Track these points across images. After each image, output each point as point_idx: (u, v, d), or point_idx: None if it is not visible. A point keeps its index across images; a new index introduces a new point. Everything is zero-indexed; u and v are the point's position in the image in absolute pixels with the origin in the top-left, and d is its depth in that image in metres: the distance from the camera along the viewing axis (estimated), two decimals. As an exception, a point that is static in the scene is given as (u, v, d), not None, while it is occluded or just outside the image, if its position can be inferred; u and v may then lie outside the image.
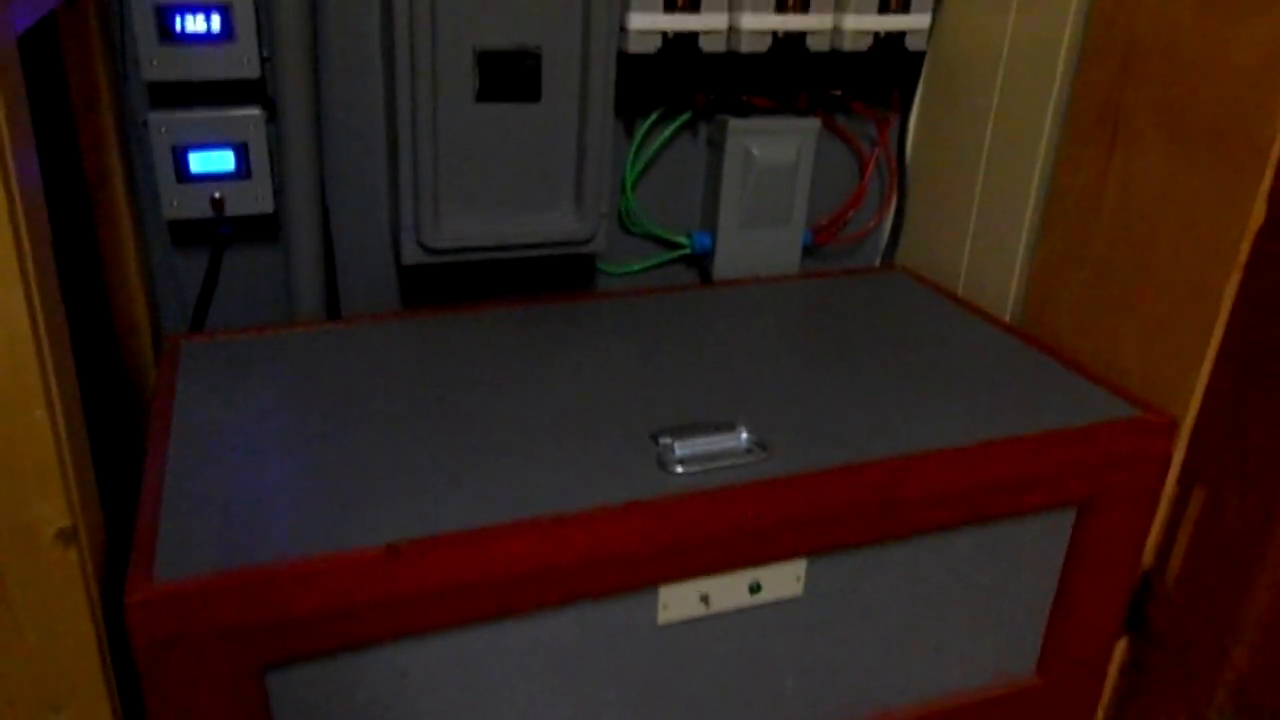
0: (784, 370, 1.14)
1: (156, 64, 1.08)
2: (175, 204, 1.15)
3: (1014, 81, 1.29)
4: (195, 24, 1.08)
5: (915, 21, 1.34)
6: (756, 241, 1.42)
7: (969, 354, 1.20)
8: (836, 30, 1.31)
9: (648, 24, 1.22)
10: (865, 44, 1.32)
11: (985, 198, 1.36)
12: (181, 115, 1.12)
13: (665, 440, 0.94)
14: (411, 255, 1.20)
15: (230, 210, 1.17)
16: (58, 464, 0.68)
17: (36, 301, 0.65)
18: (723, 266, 1.42)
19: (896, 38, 1.34)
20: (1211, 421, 1.07)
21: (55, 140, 1.05)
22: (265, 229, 1.24)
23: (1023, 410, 1.06)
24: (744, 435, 0.96)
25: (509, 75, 1.16)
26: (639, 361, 1.15)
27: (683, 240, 1.43)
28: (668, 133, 1.36)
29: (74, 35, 1.03)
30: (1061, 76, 1.21)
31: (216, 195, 1.16)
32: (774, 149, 1.37)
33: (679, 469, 0.91)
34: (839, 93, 1.39)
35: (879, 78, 1.37)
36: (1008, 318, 1.33)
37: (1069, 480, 1.05)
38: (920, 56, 1.37)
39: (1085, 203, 1.19)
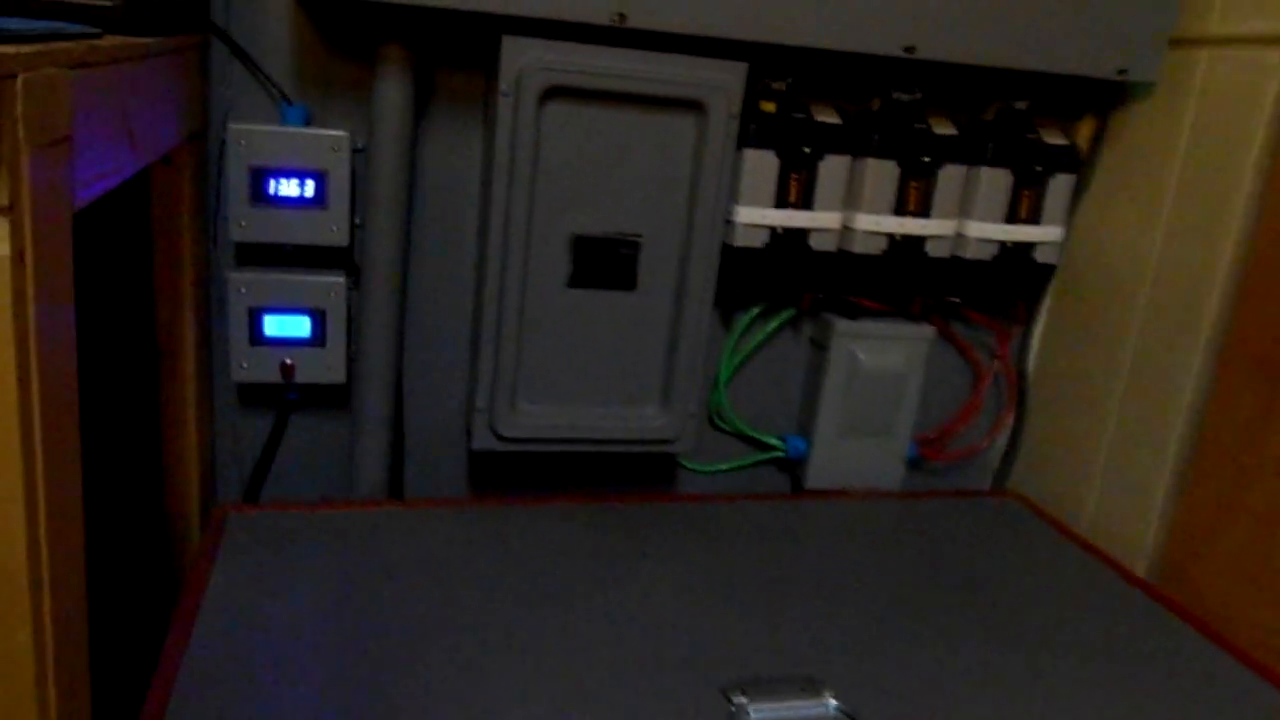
0: (880, 612, 1.00)
1: (245, 225, 1.05)
2: (245, 366, 1.10)
3: (1159, 307, 1.17)
4: (289, 188, 1.05)
5: (1046, 234, 1.24)
6: (856, 451, 1.30)
7: (1094, 612, 1.05)
8: (959, 237, 1.22)
9: (756, 218, 1.15)
10: (989, 253, 1.23)
11: (1120, 429, 1.22)
12: (262, 277, 1.08)
13: (739, 700, 0.81)
14: (483, 441, 1.12)
15: (300, 377, 1.11)
16: (36, 697, 0.58)
17: (41, 516, 0.57)
18: (817, 475, 1.30)
19: (1024, 248, 1.24)
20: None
21: (128, 297, 1.01)
22: (335, 397, 1.18)
23: (1156, 696, 0.90)
24: (831, 702, 0.82)
25: (604, 262, 1.09)
26: (717, 586, 1.02)
27: (775, 443, 1.32)
28: (768, 329, 1.27)
29: (166, 193, 1.01)
30: (1218, 308, 1.09)
31: (287, 361, 1.10)
32: (882, 355, 1.26)
33: (753, 739, 0.78)
34: (957, 300, 1.29)
35: (1002, 288, 1.27)
36: (1142, 570, 1.16)
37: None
38: (1050, 270, 1.27)
39: (1244, 448, 1.04)
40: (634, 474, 1.30)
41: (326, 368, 1.12)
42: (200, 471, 1.12)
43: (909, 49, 1.06)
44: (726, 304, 1.24)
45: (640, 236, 1.10)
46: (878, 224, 1.18)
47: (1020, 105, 1.19)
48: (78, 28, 0.71)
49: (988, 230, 1.22)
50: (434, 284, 1.17)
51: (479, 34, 1.07)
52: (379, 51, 1.03)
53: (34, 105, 0.54)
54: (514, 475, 1.27)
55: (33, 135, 0.56)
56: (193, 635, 0.86)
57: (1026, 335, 1.36)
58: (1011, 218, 1.22)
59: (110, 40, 0.72)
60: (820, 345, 1.27)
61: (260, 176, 1.04)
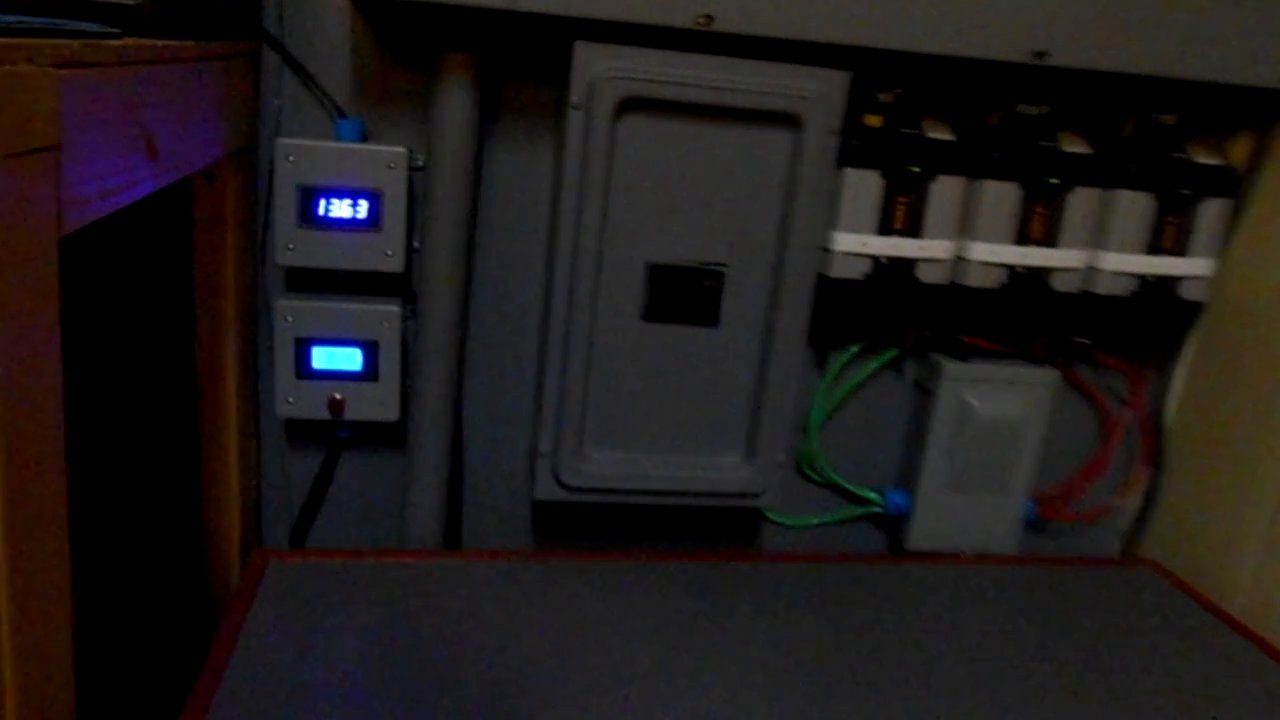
0: (993, 697, 0.88)
1: (294, 248, 0.96)
2: (291, 400, 1.01)
3: (1333, 355, 1.00)
4: (341, 208, 0.96)
5: (1193, 266, 1.08)
6: (966, 509, 1.15)
7: (1247, 703, 0.89)
8: (1090, 269, 1.07)
9: (857, 245, 1.02)
10: (1127, 288, 1.07)
11: (1281, 495, 1.05)
12: (310, 304, 0.99)
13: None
14: (546, 491, 1.01)
15: (350, 414, 1.02)
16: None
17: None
18: (920, 535, 1.16)
19: (1167, 283, 1.08)
20: None
21: (169, 324, 0.94)
22: (388, 436, 1.09)
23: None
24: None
25: (684, 294, 0.98)
26: (805, 660, 0.91)
27: (873, 497, 1.18)
28: (868, 370, 1.14)
29: (208, 213, 0.93)
30: None
31: (337, 396, 1.01)
32: (998, 401, 1.12)
33: None
34: (1086, 341, 1.13)
35: (1140, 328, 1.12)
36: (1311, 662, 0.99)
37: None
38: (1196, 308, 1.11)
39: None
40: (713, 527, 1.18)
41: (379, 404, 1.03)
42: (243, 512, 1.04)
43: (1040, 54, 0.92)
44: (821, 342, 1.12)
45: (725, 266, 0.98)
46: (995, 254, 1.04)
47: (1166, 119, 1.04)
48: (92, 26, 0.63)
49: (1125, 262, 1.06)
50: (497, 315, 1.07)
51: (549, 41, 0.97)
52: (441, 60, 0.94)
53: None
54: (581, 526, 1.16)
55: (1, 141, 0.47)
56: (218, 691, 0.79)
57: (1164, 381, 1.20)
58: (1153, 248, 1.07)
59: (126, 42, 0.64)
60: (926, 389, 1.13)
61: (310, 196, 0.95)
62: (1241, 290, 1.11)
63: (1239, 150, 1.09)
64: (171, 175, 0.75)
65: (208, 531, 1.02)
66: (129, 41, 0.63)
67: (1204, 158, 1.06)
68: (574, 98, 0.90)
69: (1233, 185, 1.07)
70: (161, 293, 0.97)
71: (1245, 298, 1.11)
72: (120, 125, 0.62)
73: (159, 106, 0.71)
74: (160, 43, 0.69)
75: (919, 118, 1.02)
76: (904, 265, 1.04)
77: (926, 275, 1.05)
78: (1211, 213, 1.06)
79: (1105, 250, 1.06)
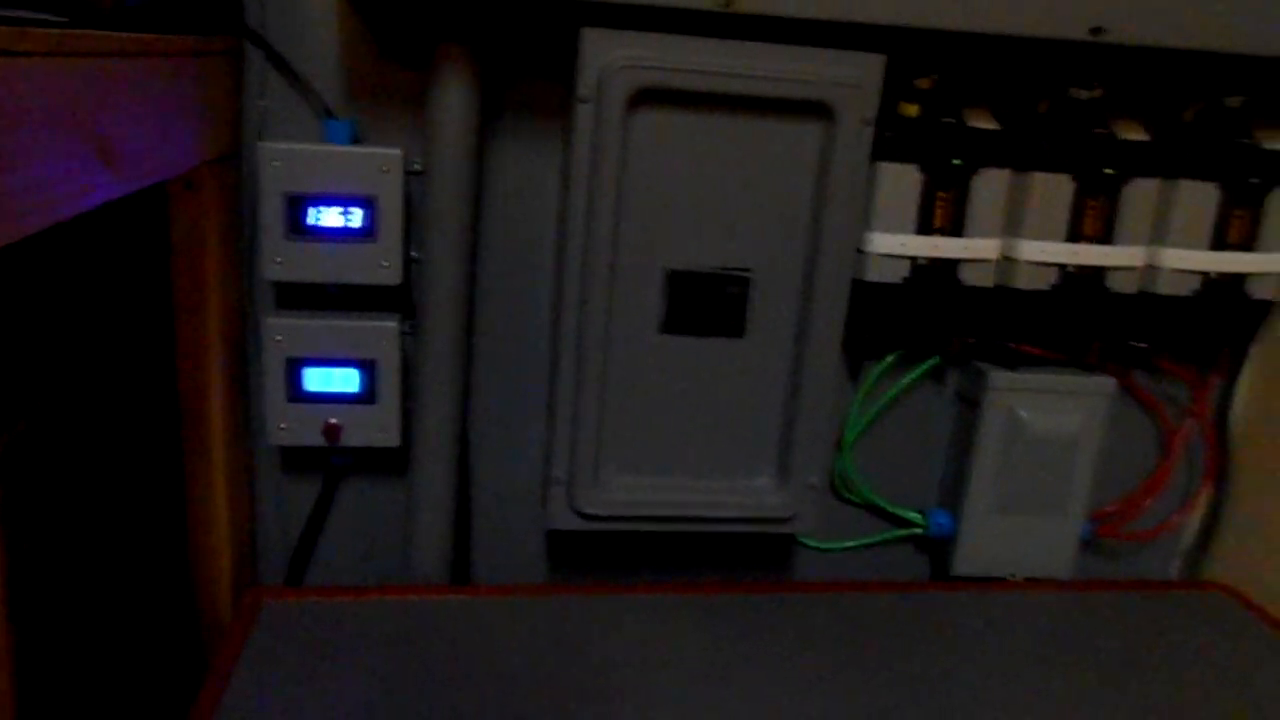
0: None
1: (282, 261, 0.89)
2: (283, 427, 0.94)
3: None
4: (332, 217, 0.88)
5: (1263, 263, 0.99)
6: (1016, 530, 1.07)
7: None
8: (1150, 268, 0.98)
9: (895, 247, 0.93)
10: (1189, 287, 0.99)
11: (1369, 513, 0.96)
12: (302, 322, 0.92)
13: None
14: (562, 519, 0.93)
15: (347, 440, 0.95)
16: None
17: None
18: (967, 559, 1.07)
19: (1234, 281, 0.99)
20: None
21: (144, 349, 0.86)
22: (389, 462, 1.01)
23: None
24: None
25: (707, 302, 0.90)
26: (845, 696, 0.84)
27: (914, 518, 1.10)
28: (906, 381, 1.06)
29: (187, 224, 0.85)
30: None
31: (332, 421, 0.94)
32: (1050, 413, 1.03)
33: None
34: (1145, 346, 1.04)
35: (1203, 330, 1.02)
36: None
37: None
38: (1266, 307, 1.02)
39: None
40: (743, 551, 1.10)
41: (379, 429, 0.95)
42: (234, 548, 0.97)
43: (1096, 30, 0.83)
44: (856, 351, 1.04)
45: (750, 271, 0.90)
46: (1046, 252, 0.96)
47: (1232, 102, 0.95)
48: (31, 14, 0.56)
49: (1187, 259, 0.98)
50: (505, 330, 0.99)
51: (554, 30, 0.89)
52: (438, 53, 0.86)
53: None
54: (600, 557, 1.08)
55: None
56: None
57: (1230, 389, 1.11)
58: (1218, 243, 0.98)
59: (66, 32, 0.56)
60: (971, 401, 1.05)
61: (298, 204, 0.87)
62: (1316, 287, 1.02)
63: (1311, 134, 1.00)
64: (136, 183, 0.67)
65: (197, 571, 0.95)
66: (71, 32, 0.56)
67: (1273, 144, 0.97)
68: (582, 90, 0.82)
69: (1306, 173, 0.98)
70: (138, 312, 0.90)
71: (1320, 295, 1.01)
72: (63, 125, 0.55)
73: (117, 107, 0.63)
74: (113, 35, 0.61)
75: (960, 106, 0.94)
76: (946, 267, 0.95)
77: (970, 277, 0.96)
78: (1283, 203, 0.98)
79: (1166, 246, 0.97)
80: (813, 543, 1.10)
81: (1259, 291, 1.00)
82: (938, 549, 1.11)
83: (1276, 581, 1.05)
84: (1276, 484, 1.07)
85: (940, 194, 0.93)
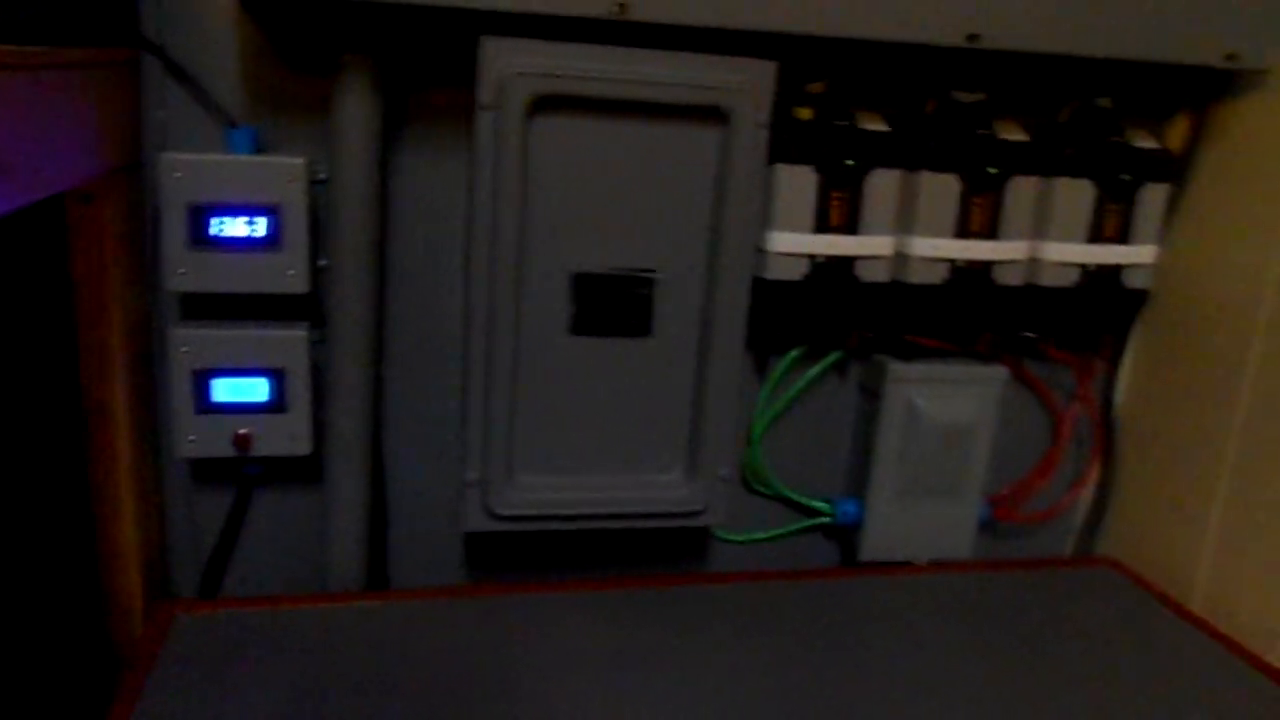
0: (961, 710, 0.84)
1: (185, 272, 0.88)
2: (192, 439, 0.93)
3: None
4: (236, 227, 0.88)
5: (1136, 254, 1.05)
6: (919, 515, 1.11)
7: (1218, 704, 0.86)
8: (1033, 261, 1.03)
9: (793, 245, 0.97)
10: (1070, 279, 1.04)
11: (1238, 484, 1.02)
12: (208, 332, 0.91)
13: None
14: (475, 521, 0.95)
15: (258, 450, 0.94)
16: None
17: None
18: (873, 545, 1.11)
19: (1110, 272, 1.05)
20: None
21: (50, 361, 0.85)
22: (302, 471, 1.01)
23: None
24: None
25: (613, 303, 0.92)
26: (761, 683, 0.86)
27: (822, 507, 1.13)
28: (810, 375, 1.09)
29: (86, 237, 0.84)
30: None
31: (242, 431, 0.93)
32: (946, 402, 1.07)
33: None
34: (1032, 335, 1.10)
35: (1086, 320, 1.08)
36: (1277, 657, 0.96)
37: None
38: (1141, 296, 1.08)
39: None
40: (657, 548, 1.12)
41: (290, 438, 0.95)
42: (144, 562, 0.95)
43: (973, 37, 0.88)
44: (760, 347, 1.07)
45: (654, 272, 0.92)
46: (937, 248, 1.00)
47: (1103, 103, 1.01)
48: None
49: (1067, 252, 1.03)
50: (415, 335, 1.00)
51: (455, 38, 0.90)
52: (340, 63, 0.87)
53: None
54: (517, 557, 1.09)
55: None
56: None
57: (1112, 373, 1.17)
58: (1095, 236, 1.04)
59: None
60: (872, 392, 1.08)
61: (201, 214, 0.87)
62: (1186, 276, 1.08)
63: (1177, 133, 1.07)
64: (30, 195, 0.67)
65: (107, 586, 0.94)
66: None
67: (1142, 142, 1.03)
68: (483, 98, 0.84)
69: (1172, 169, 1.04)
70: (43, 326, 0.88)
71: (1189, 283, 1.08)
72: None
73: (9, 119, 0.63)
74: (3, 48, 0.61)
75: (851, 109, 0.97)
76: (843, 264, 0.99)
77: (867, 273, 1.00)
78: (1152, 198, 1.04)
79: (1047, 241, 1.03)
80: (726, 535, 1.13)
81: (1134, 281, 1.06)
82: (846, 536, 1.15)
83: (1160, 554, 1.11)
84: (1158, 463, 1.13)
85: (835, 194, 0.97)
